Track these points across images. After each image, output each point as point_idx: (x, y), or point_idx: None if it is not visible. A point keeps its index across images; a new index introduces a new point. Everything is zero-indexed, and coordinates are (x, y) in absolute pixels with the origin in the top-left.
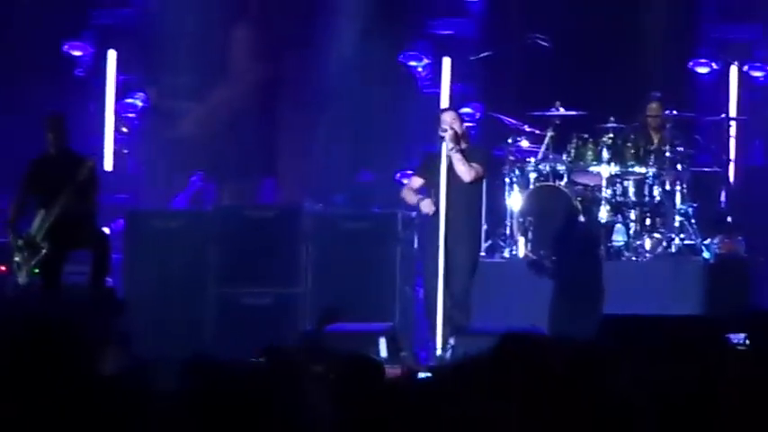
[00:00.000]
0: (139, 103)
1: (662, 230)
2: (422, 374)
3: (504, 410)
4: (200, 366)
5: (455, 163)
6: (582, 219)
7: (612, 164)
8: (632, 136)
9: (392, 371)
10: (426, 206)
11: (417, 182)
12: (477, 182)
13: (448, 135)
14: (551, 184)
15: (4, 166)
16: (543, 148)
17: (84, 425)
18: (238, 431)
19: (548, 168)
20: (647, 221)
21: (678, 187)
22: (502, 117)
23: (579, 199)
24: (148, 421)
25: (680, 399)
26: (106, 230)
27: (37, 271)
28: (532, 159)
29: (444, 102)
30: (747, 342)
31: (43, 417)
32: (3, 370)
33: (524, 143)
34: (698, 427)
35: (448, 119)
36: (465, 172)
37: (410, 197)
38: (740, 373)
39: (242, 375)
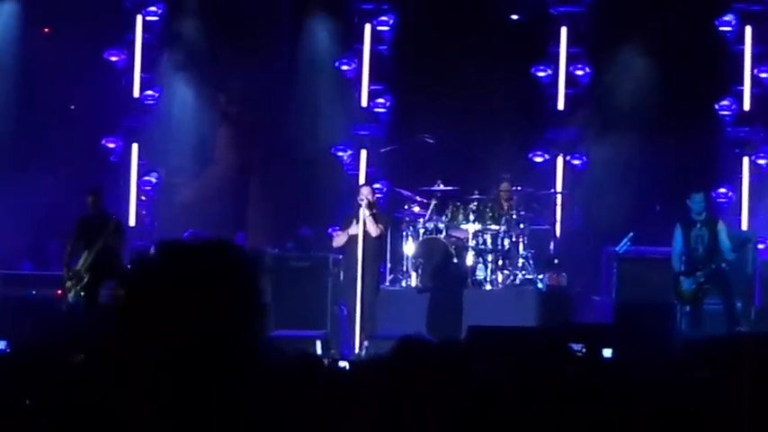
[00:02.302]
0: (154, 180)
1: (510, 268)
2: (342, 364)
3: (402, 392)
4: None
5: (367, 223)
6: (455, 260)
7: (476, 223)
8: (490, 204)
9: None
10: (340, 240)
11: (341, 235)
12: (381, 236)
13: (364, 203)
14: (434, 236)
15: (63, 222)
16: (429, 212)
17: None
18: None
19: (432, 226)
20: (500, 262)
21: (521, 239)
22: (401, 191)
23: (453, 247)
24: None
25: (528, 391)
26: (129, 267)
27: (82, 294)
28: (421, 220)
29: (362, 180)
30: (584, 350)
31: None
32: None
33: (416, 208)
34: (543, 417)
35: (365, 191)
36: (374, 230)
37: (338, 242)
38: (578, 373)
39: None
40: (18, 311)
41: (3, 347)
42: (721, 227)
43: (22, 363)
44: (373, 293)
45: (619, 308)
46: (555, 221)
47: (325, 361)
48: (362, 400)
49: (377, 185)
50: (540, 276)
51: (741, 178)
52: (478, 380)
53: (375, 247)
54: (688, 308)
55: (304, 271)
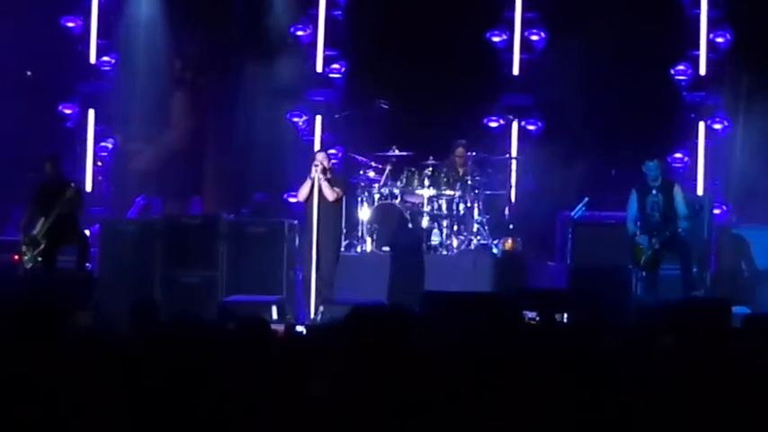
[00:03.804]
0: (110, 146)
1: (465, 234)
2: (299, 329)
3: (355, 357)
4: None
5: (323, 188)
6: (410, 225)
7: (431, 188)
8: (445, 169)
9: (278, 327)
10: (303, 191)
11: (304, 186)
12: (338, 200)
13: (318, 168)
14: (389, 202)
15: (19, 189)
16: (384, 177)
17: (66, 356)
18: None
19: (387, 191)
20: (455, 227)
21: (476, 204)
22: (356, 156)
23: (408, 212)
24: (110, 355)
25: (476, 355)
26: (87, 232)
27: (39, 259)
28: (376, 185)
29: (317, 146)
30: (538, 318)
31: (38, 353)
32: (16, 321)
33: (371, 174)
34: (491, 381)
35: (320, 157)
36: (329, 194)
37: (302, 193)
38: (532, 342)
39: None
40: None
41: None
42: (677, 191)
43: None
44: (333, 259)
45: (573, 273)
46: (510, 187)
47: (282, 326)
48: (318, 364)
49: (332, 151)
50: (495, 241)
51: (697, 143)
52: (429, 345)
53: (333, 212)
54: (644, 273)
55: (260, 236)
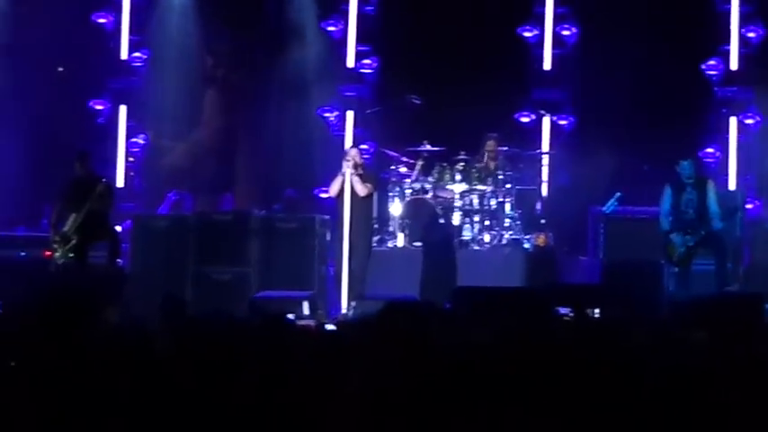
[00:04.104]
0: (141, 142)
1: (496, 229)
2: (329, 327)
3: (386, 351)
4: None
5: (354, 183)
6: (441, 221)
7: (463, 183)
8: (476, 164)
9: (309, 323)
10: (335, 187)
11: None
12: (369, 196)
13: (350, 164)
14: (420, 196)
15: (51, 185)
16: (415, 172)
17: (97, 353)
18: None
19: (418, 186)
20: (486, 222)
21: (507, 199)
22: (387, 151)
23: (440, 207)
24: (142, 354)
25: (511, 351)
26: (118, 228)
27: (71, 255)
28: (408, 180)
29: (348, 141)
30: (572, 314)
31: (71, 349)
32: (48, 318)
33: (402, 169)
34: (526, 378)
35: (352, 153)
36: (361, 190)
37: (333, 189)
38: (566, 340)
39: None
40: (7, 273)
41: None
42: (711, 188)
43: (8, 323)
44: (365, 254)
45: (605, 268)
46: (541, 182)
47: (312, 322)
48: (350, 360)
49: (363, 146)
50: (527, 237)
51: (728, 138)
52: (462, 341)
53: (364, 207)
54: (676, 269)
55: (291, 232)
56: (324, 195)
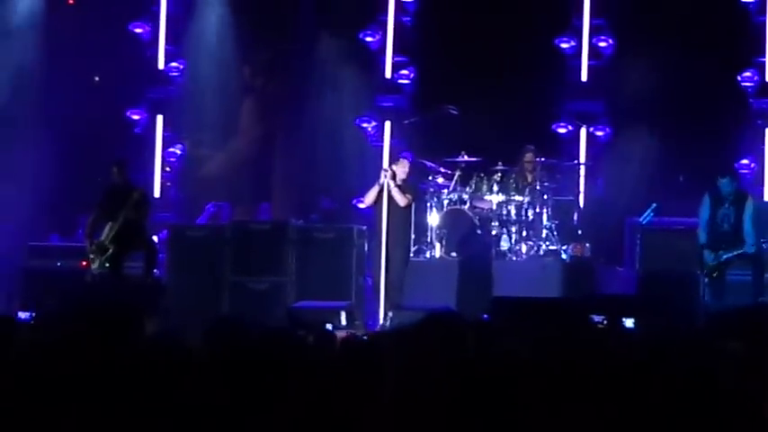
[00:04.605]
0: (178, 152)
1: (534, 239)
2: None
3: (424, 362)
4: (222, 328)
5: (394, 194)
6: (479, 231)
7: (500, 194)
8: (513, 175)
9: (340, 334)
10: (370, 196)
11: (372, 191)
12: (408, 206)
13: (388, 174)
14: (458, 207)
15: (87, 195)
16: (453, 182)
17: (134, 367)
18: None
19: (456, 197)
20: (524, 233)
21: (545, 210)
22: (425, 162)
23: (477, 218)
24: (180, 368)
25: (550, 363)
26: (155, 238)
27: (107, 265)
28: (445, 191)
29: (386, 151)
30: (605, 322)
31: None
32: (84, 329)
33: (440, 179)
34: (565, 390)
35: (400, 164)
36: (401, 200)
37: (369, 199)
38: (600, 344)
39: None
40: (43, 283)
41: (27, 318)
42: (749, 206)
43: (43, 333)
44: (402, 264)
45: (642, 278)
46: (578, 192)
47: (342, 333)
48: (384, 370)
49: (406, 160)
50: (564, 247)
51: (764, 149)
52: (501, 353)
53: (402, 217)
54: (707, 280)
55: (328, 242)
56: (361, 206)
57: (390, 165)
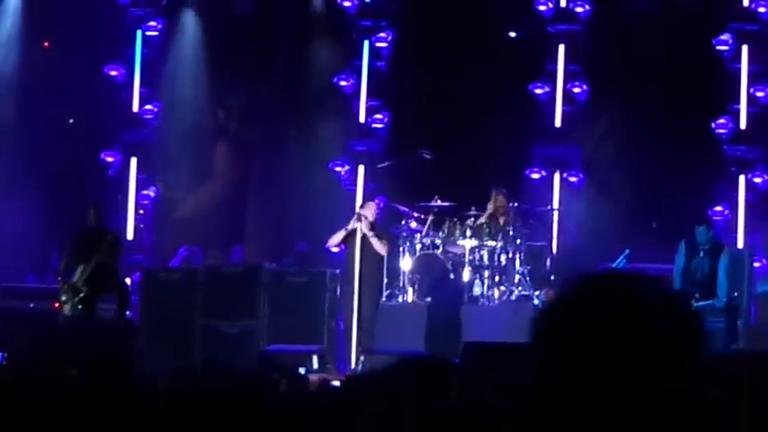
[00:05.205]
0: (152, 194)
1: (506, 284)
2: (334, 383)
3: (395, 407)
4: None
5: (374, 244)
6: (451, 276)
7: (473, 239)
8: (486, 220)
9: (314, 378)
10: (336, 238)
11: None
12: (389, 253)
13: (364, 225)
14: (431, 252)
15: (60, 237)
16: (426, 227)
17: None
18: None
19: (428, 241)
20: (496, 278)
21: (517, 255)
22: (398, 206)
23: (450, 263)
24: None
25: (522, 409)
26: (127, 280)
27: (79, 307)
28: (418, 235)
29: (359, 195)
30: None
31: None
32: (57, 372)
33: (413, 224)
34: None
35: (367, 208)
36: (382, 249)
37: (334, 240)
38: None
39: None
40: (15, 324)
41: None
42: (723, 257)
43: (15, 375)
44: (373, 307)
45: None
46: (551, 238)
47: (314, 378)
48: (356, 416)
49: (375, 202)
50: (537, 293)
51: (737, 196)
52: (471, 396)
53: (374, 262)
54: None
55: (301, 286)
56: (332, 249)
57: (359, 208)
